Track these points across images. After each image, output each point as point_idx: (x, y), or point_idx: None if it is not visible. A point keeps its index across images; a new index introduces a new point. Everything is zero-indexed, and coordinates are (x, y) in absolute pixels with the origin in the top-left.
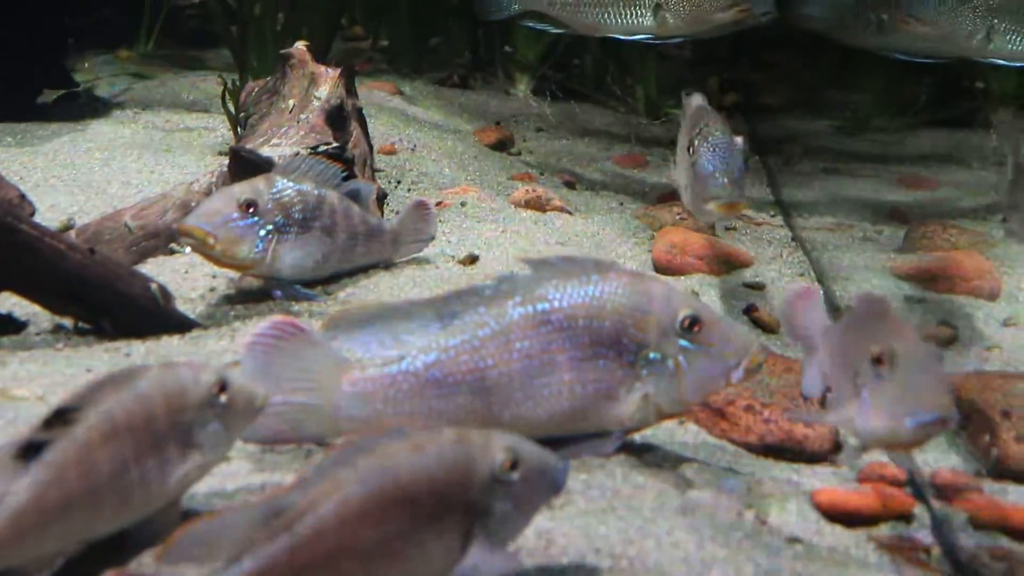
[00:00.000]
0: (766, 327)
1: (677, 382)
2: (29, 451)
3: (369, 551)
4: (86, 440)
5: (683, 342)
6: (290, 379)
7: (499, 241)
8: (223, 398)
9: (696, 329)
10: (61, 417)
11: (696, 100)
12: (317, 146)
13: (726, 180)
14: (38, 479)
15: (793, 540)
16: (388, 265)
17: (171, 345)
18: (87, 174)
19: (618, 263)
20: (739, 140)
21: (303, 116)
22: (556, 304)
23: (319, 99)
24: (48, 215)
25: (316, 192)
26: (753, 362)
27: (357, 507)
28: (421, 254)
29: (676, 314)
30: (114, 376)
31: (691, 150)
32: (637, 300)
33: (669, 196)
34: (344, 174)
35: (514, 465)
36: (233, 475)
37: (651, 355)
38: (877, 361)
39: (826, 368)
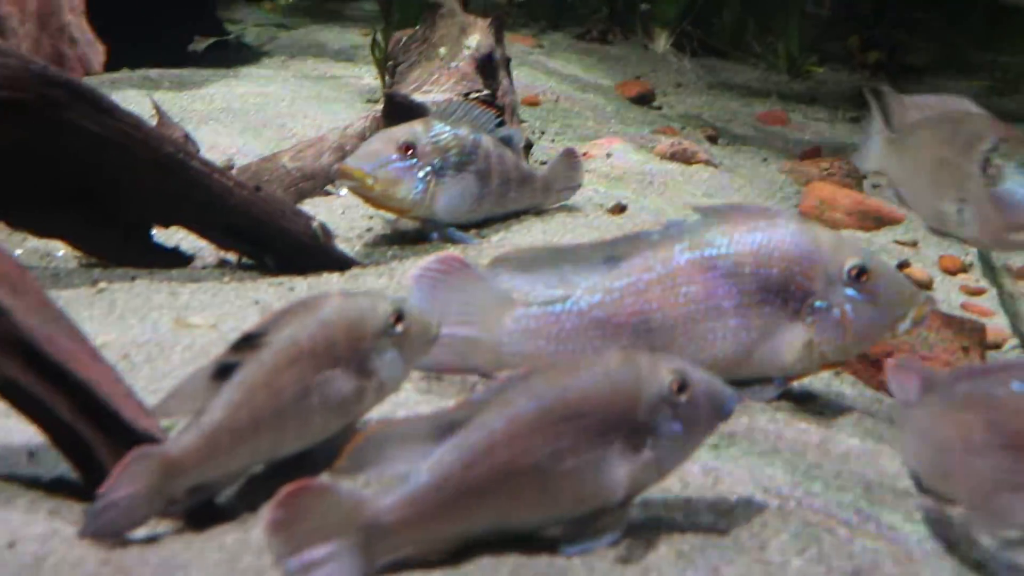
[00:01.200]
0: (919, 284)
1: (842, 331)
2: (221, 373)
3: (539, 466)
4: (273, 364)
5: (850, 291)
6: (455, 312)
7: (646, 192)
8: (399, 327)
9: (864, 279)
10: (249, 341)
11: (963, 104)
12: (469, 92)
13: None
14: (230, 399)
15: None
16: (538, 211)
17: (332, 282)
18: (243, 118)
19: (786, 211)
20: None
21: (454, 64)
22: (724, 250)
23: (469, 48)
24: (208, 155)
25: (472, 137)
26: (919, 313)
27: (527, 423)
28: (570, 202)
29: (844, 263)
30: (298, 304)
31: (986, 168)
32: (805, 248)
33: (812, 152)
34: (498, 120)
35: (682, 388)
36: (403, 403)
37: (817, 303)
38: None
39: (917, 459)
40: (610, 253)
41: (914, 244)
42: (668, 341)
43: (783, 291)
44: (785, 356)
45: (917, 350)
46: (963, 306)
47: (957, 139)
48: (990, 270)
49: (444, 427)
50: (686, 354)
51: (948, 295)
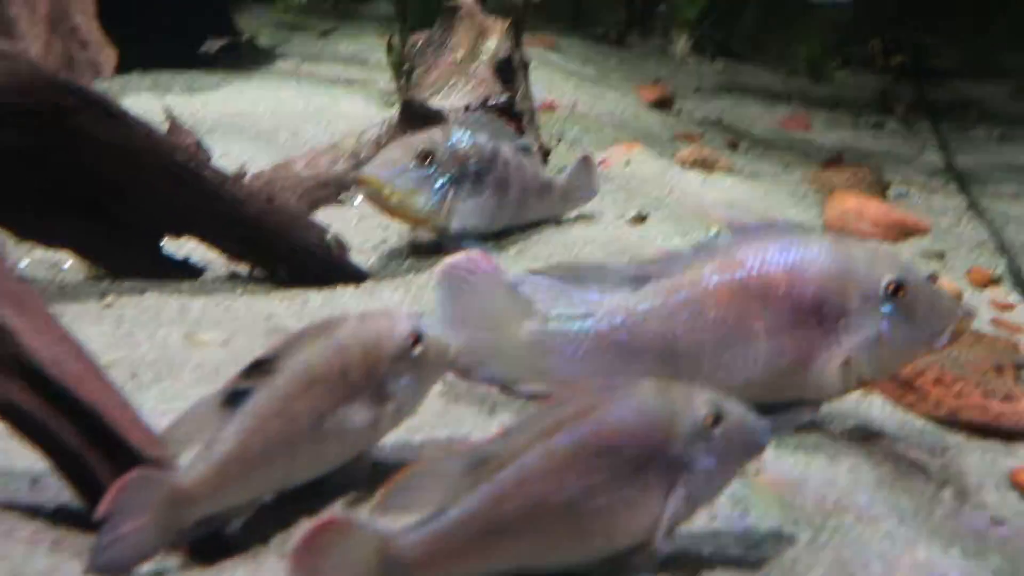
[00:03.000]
0: None
1: (880, 349)
2: (232, 399)
3: (572, 502)
4: (285, 390)
5: (887, 307)
6: (475, 316)
7: (667, 201)
8: (417, 350)
9: (901, 294)
10: (261, 367)
11: None
12: (487, 98)
13: None
14: (242, 428)
15: (998, 521)
16: (557, 221)
17: (346, 295)
18: (256, 123)
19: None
20: None
21: (472, 68)
22: (755, 271)
23: (487, 52)
24: (221, 162)
25: (491, 145)
26: (960, 328)
27: (560, 458)
28: (589, 211)
29: (880, 279)
30: (312, 327)
31: None
32: (839, 265)
33: (835, 160)
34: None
35: (716, 420)
36: (419, 428)
37: (854, 322)
38: None
39: None
40: (637, 273)
41: (941, 256)
42: (694, 368)
43: (817, 311)
44: (821, 379)
45: (947, 369)
46: (994, 321)
47: None
48: (1021, 283)
49: (477, 462)
50: (714, 381)
51: (978, 310)
